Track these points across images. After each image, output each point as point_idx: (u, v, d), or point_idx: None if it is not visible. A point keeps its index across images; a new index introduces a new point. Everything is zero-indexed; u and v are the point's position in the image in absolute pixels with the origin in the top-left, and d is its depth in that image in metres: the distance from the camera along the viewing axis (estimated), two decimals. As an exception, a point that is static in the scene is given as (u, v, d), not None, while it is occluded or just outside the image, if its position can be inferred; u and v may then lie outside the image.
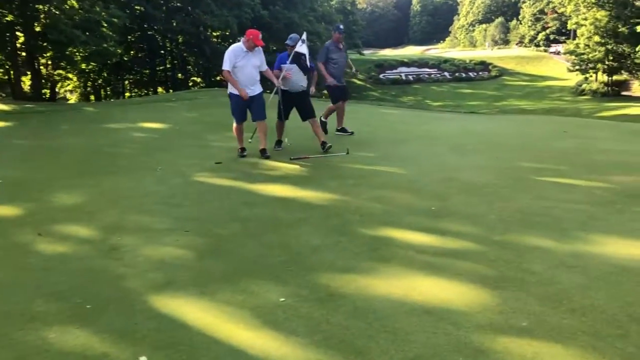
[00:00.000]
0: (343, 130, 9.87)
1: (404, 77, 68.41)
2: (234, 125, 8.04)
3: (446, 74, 69.13)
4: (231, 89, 7.82)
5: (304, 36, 8.37)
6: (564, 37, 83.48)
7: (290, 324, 3.17)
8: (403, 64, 72.59)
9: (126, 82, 43.94)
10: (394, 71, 70.04)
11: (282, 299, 3.51)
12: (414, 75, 68.84)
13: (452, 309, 3.26)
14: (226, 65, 7.57)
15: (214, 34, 43.15)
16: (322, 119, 9.51)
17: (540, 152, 7.86)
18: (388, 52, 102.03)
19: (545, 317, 3.13)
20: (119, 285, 3.84)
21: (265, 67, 7.96)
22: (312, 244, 4.47)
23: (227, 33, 40.83)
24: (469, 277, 3.73)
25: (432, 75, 69.24)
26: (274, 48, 43.34)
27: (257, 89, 7.95)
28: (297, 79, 8.09)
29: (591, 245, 4.26)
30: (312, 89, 8.80)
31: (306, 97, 8.37)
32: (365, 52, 74.49)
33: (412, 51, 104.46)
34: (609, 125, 11.23)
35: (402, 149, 8.38)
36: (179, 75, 44.81)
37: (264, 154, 7.90)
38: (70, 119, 12.48)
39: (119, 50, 32.41)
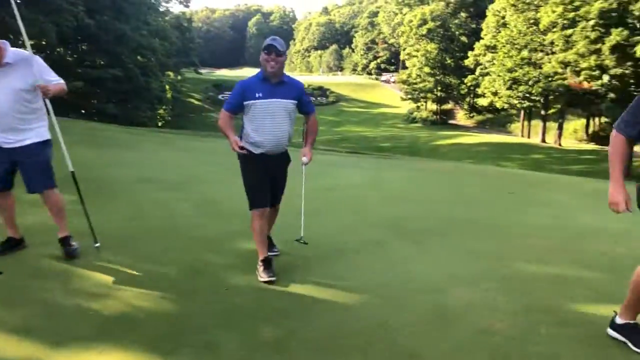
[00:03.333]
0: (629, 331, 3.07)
1: (243, 99, 66.17)
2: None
3: (286, 97, 68.16)
4: None
5: None
6: (393, 67, 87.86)
7: None
8: (242, 85, 70.51)
9: None
10: (234, 92, 67.55)
11: None
12: (254, 98, 66.94)
13: None
14: None
15: (31, 42, 36.45)
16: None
17: (524, 237, 5.31)
18: (225, 72, 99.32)
19: None
20: None
21: (46, 92, 3.79)
22: None
23: (44, 42, 34.63)
24: None
25: (273, 99, 68.00)
26: (102, 62, 38.00)
27: (27, 136, 3.91)
28: (278, 128, 3.93)
29: None
30: (307, 154, 4.13)
31: (286, 166, 4.18)
32: (202, 71, 70.85)
33: (249, 72, 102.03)
34: (550, 180, 9.37)
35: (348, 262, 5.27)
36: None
37: (67, 248, 4.10)
38: None
39: None
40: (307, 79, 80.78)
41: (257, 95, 3.84)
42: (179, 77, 56.46)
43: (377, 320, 3.39)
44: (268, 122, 3.88)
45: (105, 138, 11.26)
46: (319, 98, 70.00)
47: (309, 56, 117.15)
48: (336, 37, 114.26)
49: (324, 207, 6.22)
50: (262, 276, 3.82)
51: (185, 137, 17.47)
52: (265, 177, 4.00)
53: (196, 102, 62.77)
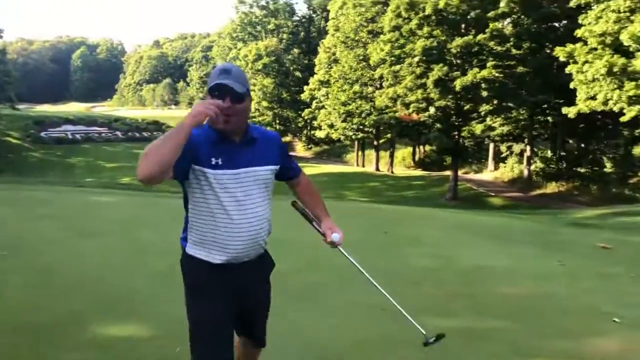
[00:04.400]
0: None
1: (70, 136, 61.35)
2: None
3: (118, 133, 64.95)
4: None
5: None
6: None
7: None
8: (68, 121, 65.58)
9: None
10: (58, 129, 62.42)
11: None
12: (83, 134, 62.51)
13: None
14: None
15: None
16: None
17: (415, 284, 4.97)
18: (47, 108, 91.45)
19: None
20: None
21: None
22: None
23: None
24: None
25: (103, 134, 64.30)
26: None
27: None
28: (253, 216, 2.29)
29: None
30: (333, 228, 2.61)
31: (265, 278, 2.62)
32: (20, 106, 64.27)
33: (75, 108, 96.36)
34: (412, 214, 9.33)
35: None
36: None
37: None
38: None
39: None
40: (141, 114, 77.44)
41: (213, 161, 2.19)
42: (-7, 114, 50.43)
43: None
44: (236, 207, 2.24)
45: None
46: (154, 133, 67.28)
47: (141, 90, 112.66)
48: (169, 71, 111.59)
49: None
50: None
51: (4, 185, 15.16)
52: (228, 308, 2.30)
53: (14, 141, 56.45)
